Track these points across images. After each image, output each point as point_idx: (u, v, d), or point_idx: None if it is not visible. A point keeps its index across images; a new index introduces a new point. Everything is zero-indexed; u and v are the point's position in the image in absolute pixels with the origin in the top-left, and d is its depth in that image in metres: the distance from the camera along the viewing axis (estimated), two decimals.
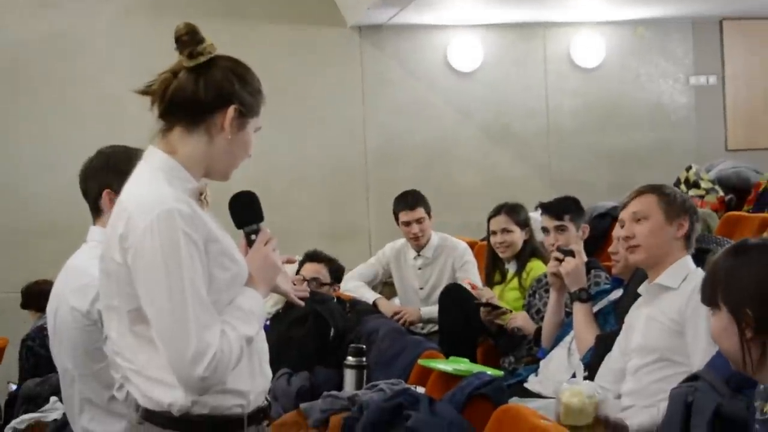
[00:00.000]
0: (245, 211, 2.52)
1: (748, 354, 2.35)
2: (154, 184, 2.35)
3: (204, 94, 2.39)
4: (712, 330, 2.46)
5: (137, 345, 2.36)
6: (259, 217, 2.52)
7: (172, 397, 2.32)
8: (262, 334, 2.50)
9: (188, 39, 2.40)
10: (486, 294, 5.62)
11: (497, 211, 5.86)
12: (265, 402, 2.52)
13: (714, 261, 2.47)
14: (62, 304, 3.11)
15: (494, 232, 5.83)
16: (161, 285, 2.25)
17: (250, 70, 2.48)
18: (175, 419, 2.34)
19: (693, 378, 3.23)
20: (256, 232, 2.51)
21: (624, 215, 3.84)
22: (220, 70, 2.42)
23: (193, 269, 2.26)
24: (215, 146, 2.42)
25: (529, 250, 5.79)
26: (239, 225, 2.52)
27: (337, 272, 6.07)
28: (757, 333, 2.33)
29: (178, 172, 2.40)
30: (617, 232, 4.32)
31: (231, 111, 2.40)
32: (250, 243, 2.51)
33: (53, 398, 5.46)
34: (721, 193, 7.61)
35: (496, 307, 5.41)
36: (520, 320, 5.23)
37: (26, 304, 7.37)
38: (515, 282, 5.77)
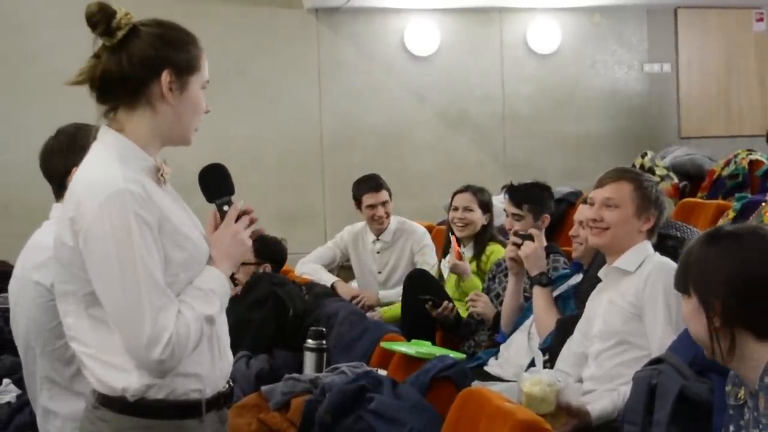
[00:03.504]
0: (215, 185, 2.47)
1: (716, 342, 2.36)
2: (105, 165, 2.29)
3: (130, 69, 2.32)
4: (683, 314, 2.48)
5: (93, 328, 2.31)
6: (229, 190, 2.48)
7: (125, 381, 2.28)
8: (223, 318, 2.47)
9: (99, 18, 2.32)
10: (465, 267, 5.60)
11: (464, 189, 5.87)
12: (227, 387, 2.48)
13: (689, 247, 2.48)
14: (25, 281, 3.06)
15: (456, 208, 5.82)
16: (113, 269, 2.20)
17: (175, 27, 2.41)
18: (130, 404, 2.30)
19: (657, 361, 3.25)
20: (228, 204, 2.46)
21: (596, 196, 3.80)
22: (141, 39, 2.34)
23: (146, 251, 2.21)
24: (162, 116, 2.36)
25: (488, 235, 5.80)
26: (210, 198, 2.47)
27: (267, 251, 5.87)
28: (725, 323, 2.35)
29: (132, 150, 2.34)
30: (582, 213, 4.33)
31: (165, 77, 2.34)
32: (222, 217, 2.46)
33: (6, 380, 5.38)
34: (676, 180, 7.66)
35: (437, 304, 5.35)
36: (480, 306, 5.22)
37: None
38: (473, 266, 5.78)
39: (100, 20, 2.33)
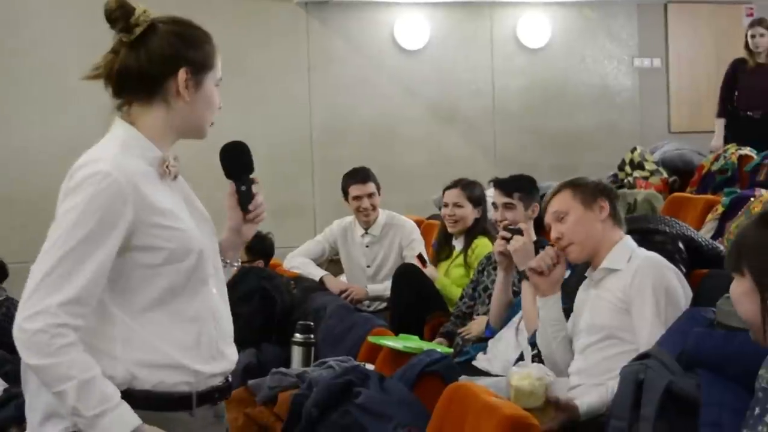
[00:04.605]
0: (233, 164, 2.54)
1: (766, 322, 2.39)
2: (103, 151, 2.32)
3: (148, 66, 2.35)
4: (732, 293, 2.50)
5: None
6: (248, 168, 2.54)
7: (112, 369, 2.27)
8: (228, 315, 2.52)
9: (119, 14, 2.35)
10: (430, 272, 5.64)
11: (454, 185, 5.87)
12: (224, 382, 2.48)
13: (743, 228, 2.53)
14: None
15: (446, 204, 5.84)
16: (50, 238, 2.23)
17: (192, 25, 2.44)
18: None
19: (644, 356, 3.25)
20: (247, 183, 2.54)
21: (547, 218, 3.88)
22: (160, 36, 2.37)
23: (83, 237, 2.21)
24: (177, 112, 2.39)
25: (479, 229, 5.80)
26: (228, 175, 2.54)
27: (261, 247, 5.95)
28: None
29: (137, 140, 2.36)
30: None
31: (182, 74, 2.37)
32: (239, 194, 2.54)
33: None
34: (665, 175, 7.67)
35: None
36: (475, 330, 5.16)
37: None
38: (461, 259, 5.79)
39: (120, 17, 2.35)
